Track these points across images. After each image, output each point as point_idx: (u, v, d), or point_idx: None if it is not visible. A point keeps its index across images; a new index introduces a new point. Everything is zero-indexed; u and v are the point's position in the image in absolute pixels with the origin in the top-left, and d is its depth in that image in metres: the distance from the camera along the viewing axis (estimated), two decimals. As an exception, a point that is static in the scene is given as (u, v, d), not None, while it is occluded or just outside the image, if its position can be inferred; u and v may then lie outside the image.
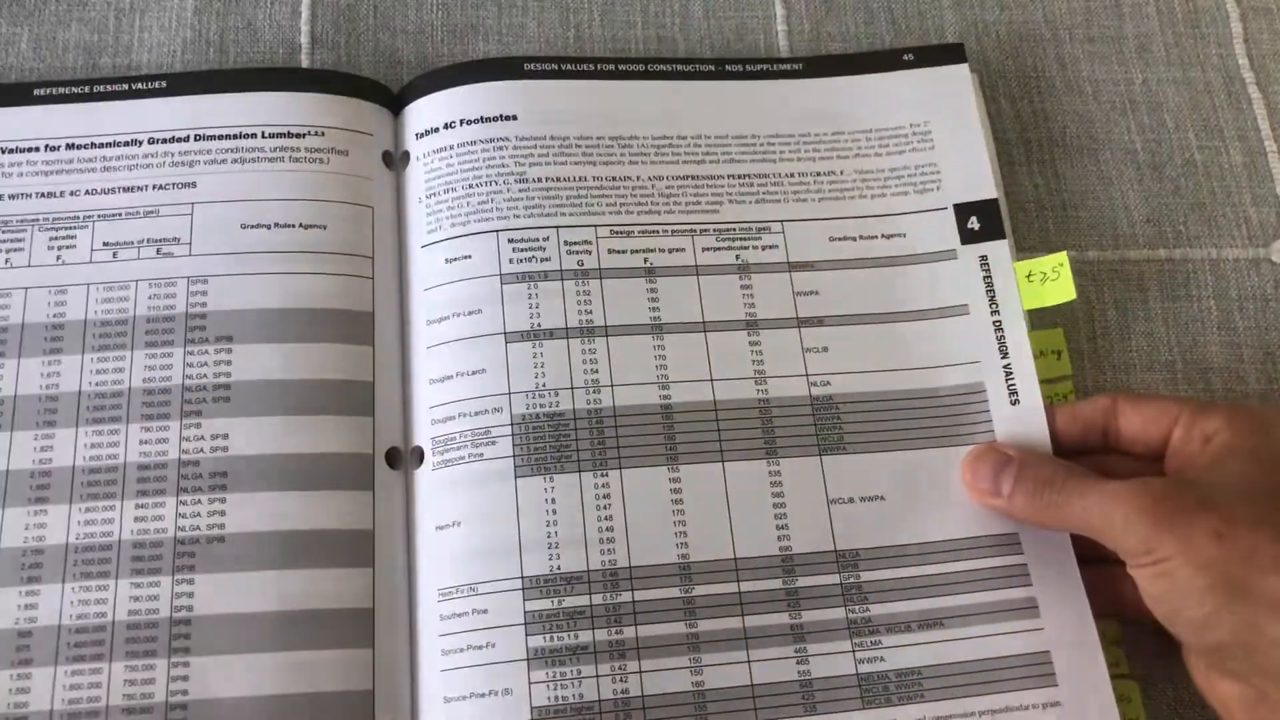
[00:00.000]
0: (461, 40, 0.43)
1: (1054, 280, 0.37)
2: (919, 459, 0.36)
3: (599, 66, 0.40)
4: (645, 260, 0.37)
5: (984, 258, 0.38)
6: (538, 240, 0.37)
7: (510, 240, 0.37)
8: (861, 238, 0.39)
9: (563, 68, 0.40)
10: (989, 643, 0.34)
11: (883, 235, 0.39)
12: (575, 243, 0.37)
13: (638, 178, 0.39)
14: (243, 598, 0.32)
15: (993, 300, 0.38)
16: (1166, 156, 0.42)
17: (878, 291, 0.38)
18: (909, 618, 0.34)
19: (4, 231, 0.37)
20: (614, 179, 0.39)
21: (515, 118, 0.39)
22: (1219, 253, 0.41)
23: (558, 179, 0.38)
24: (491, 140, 0.38)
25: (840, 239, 0.39)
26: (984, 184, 0.39)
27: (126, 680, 0.32)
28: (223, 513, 0.33)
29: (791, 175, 0.39)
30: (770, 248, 0.38)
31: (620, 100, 0.40)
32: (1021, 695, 0.33)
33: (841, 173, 0.40)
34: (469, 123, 0.39)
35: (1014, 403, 0.36)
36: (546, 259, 0.37)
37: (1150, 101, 0.43)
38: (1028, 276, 0.37)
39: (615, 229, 0.38)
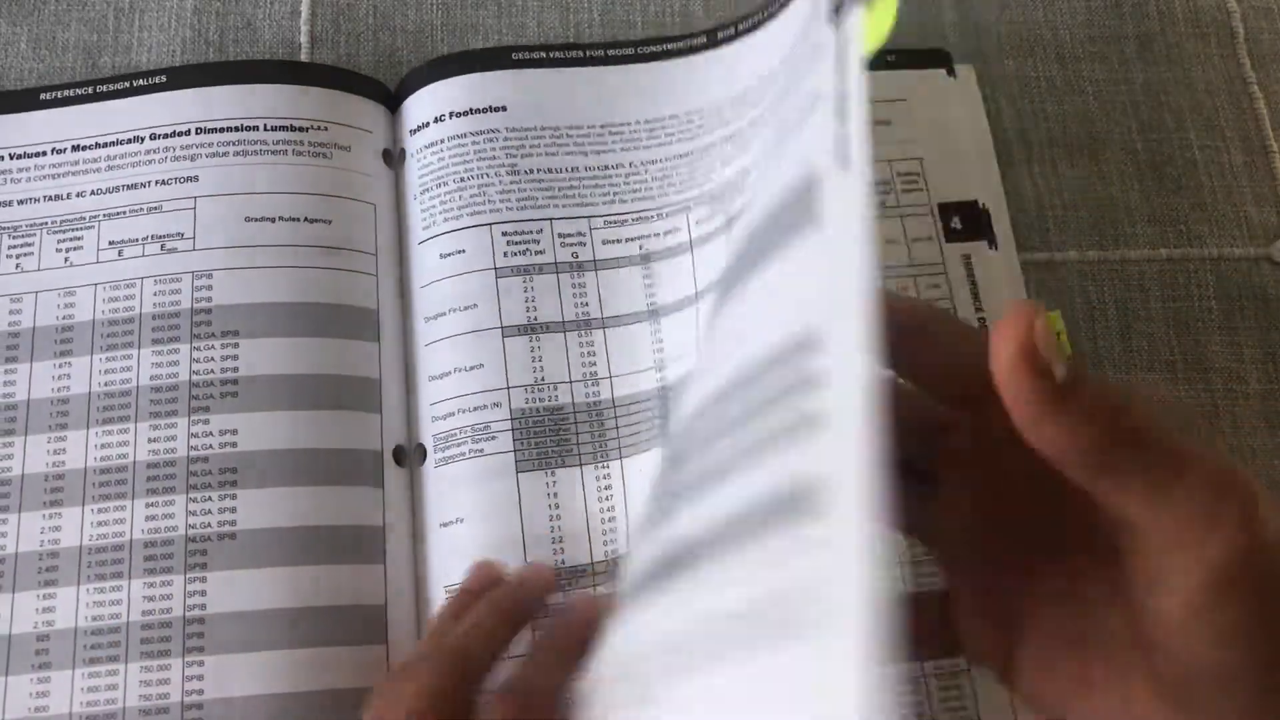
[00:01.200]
0: (461, 40, 0.43)
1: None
2: None
3: (588, 53, 0.39)
4: (640, 247, 0.37)
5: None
6: (531, 233, 0.37)
7: (504, 233, 0.37)
8: None
9: (551, 55, 0.39)
10: None
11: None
12: (569, 234, 0.37)
13: (630, 164, 0.38)
14: (255, 595, 0.32)
15: None
16: (1167, 156, 0.42)
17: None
18: None
19: (14, 236, 0.37)
20: (606, 168, 0.38)
21: (505, 109, 0.38)
22: (1219, 252, 0.41)
23: (550, 170, 0.38)
24: (481, 132, 0.38)
25: None
26: None
27: (142, 681, 0.32)
28: (233, 509, 0.33)
29: None
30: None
31: (611, 86, 0.39)
32: None
33: None
34: (458, 115, 0.38)
35: None
36: (540, 251, 0.37)
37: (1150, 101, 0.43)
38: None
39: (609, 219, 0.37)
